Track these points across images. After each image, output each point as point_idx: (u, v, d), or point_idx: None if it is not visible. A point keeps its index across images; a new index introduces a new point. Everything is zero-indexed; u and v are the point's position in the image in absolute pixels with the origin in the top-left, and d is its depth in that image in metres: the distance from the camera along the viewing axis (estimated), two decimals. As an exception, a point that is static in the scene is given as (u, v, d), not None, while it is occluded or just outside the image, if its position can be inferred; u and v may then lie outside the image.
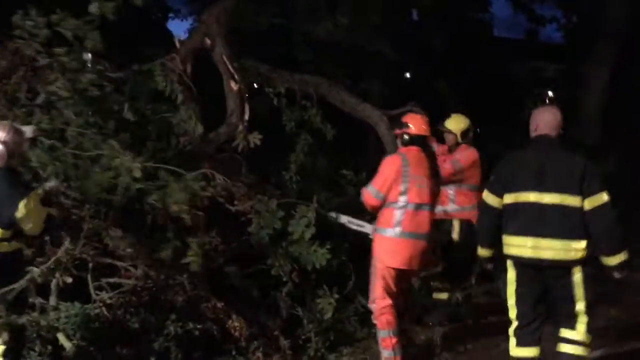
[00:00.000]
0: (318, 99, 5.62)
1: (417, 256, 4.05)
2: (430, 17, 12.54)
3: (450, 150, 5.09)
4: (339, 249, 4.63)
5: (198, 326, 3.97)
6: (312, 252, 4.40)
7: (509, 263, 3.63)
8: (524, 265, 3.56)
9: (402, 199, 4.03)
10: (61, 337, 3.91)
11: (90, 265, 4.20)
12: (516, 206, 3.54)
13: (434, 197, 4.20)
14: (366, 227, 4.42)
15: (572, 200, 3.44)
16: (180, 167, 4.39)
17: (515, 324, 3.62)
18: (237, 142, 5.22)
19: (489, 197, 3.64)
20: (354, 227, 4.52)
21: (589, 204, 3.44)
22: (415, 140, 4.19)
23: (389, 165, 4.11)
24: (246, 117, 5.33)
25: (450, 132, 5.06)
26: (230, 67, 5.21)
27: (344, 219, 4.52)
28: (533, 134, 3.65)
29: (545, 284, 3.55)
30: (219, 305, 3.96)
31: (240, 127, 5.30)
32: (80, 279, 4.15)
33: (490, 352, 4.55)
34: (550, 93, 16.41)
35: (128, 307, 4.04)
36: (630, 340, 4.69)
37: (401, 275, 4.08)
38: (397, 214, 4.03)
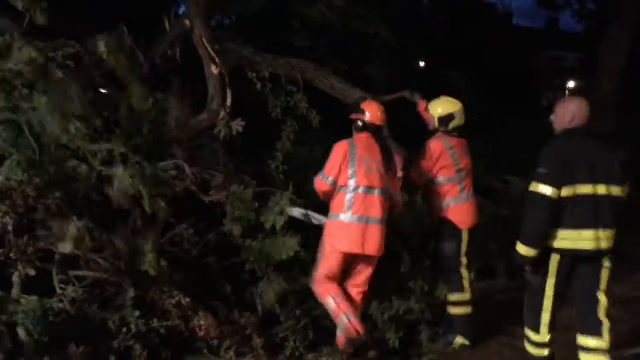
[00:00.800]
0: (305, 84, 5.36)
1: (369, 240, 4.03)
2: (445, 4, 12.23)
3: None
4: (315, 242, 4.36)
5: (164, 323, 3.75)
6: (282, 243, 4.15)
7: (556, 258, 3.61)
8: (572, 258, 3.61)
9: (351, 182, 4.07)
10: (20, 332, 3.73)
11: (57, 257, 4.04)
12: (575, 199, 3.54)
13: (385, 182, 4.14)
14: (322, 220, 4.23)
15: (616, 191, 3.61)
16: (152, 154, 4.17)
17: (548, 316, 3.66)
18: (219, 129, 4.99)
19: (546, 190, 3.51)
20: (314, 222, 4.32)
21: (623, 193, 3.65)
22: (369, 127, 4.22)
23: (337, 150, 4.17)
24: (228, 102, 5.07)
25: (429, 115, 4.72)
26: (210, 50, 4.95)
27: (296, 212, 4.23)
28: (569, 125, 3.68)
29: (575, 275, 3.67)
30: (184, 301, 3.71)
31: (222, 114, 5.05)
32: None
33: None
34: (572, 83, 16.03)
35: (92, 302, 3.83)
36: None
37: (353, 261, 4.09)
38: (347, 198, 4.06)
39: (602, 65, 10.74)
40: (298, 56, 6.70)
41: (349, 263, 4.13)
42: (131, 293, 3.71)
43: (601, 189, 3.58)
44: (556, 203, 3.53)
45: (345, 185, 4.09)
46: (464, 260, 4.53)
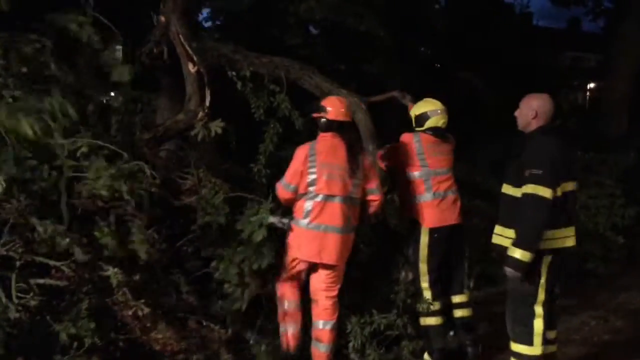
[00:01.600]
0: (290, 83, 5.11)
1: (329, 250, 3.85)
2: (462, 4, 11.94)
3: None
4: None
5: (120, 336, 3.53)
6: (259, 254, 3.91)
7: (547, 259, 3.56)
8: (560, 257, 3.59)
9: (311, 189, 3.88)
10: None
11: (18, 263, 3.83)
12: (563, 197, 3.54)
13: (348, 188, 3.90)
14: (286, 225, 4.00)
15: (576, 186, 3.71)
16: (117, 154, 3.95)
17: (540, 323, 3.59)
18: (197, 131, 4.77)
19: (545, 191, 3.43)
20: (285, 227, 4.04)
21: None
22: (333, 125, 3.96)
23: (297, 155, 3.97)
24: (207, 102, 4.85)
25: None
26: (187, 47, 4.73)
27: (275, 220, 3.98)
28: (533, 121, 3.66)
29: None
30: (142, 312, 3.47)
31: (201, 114, 4.83)
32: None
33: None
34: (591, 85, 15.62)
35: (48, 312, 3.61)
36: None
37: (316, 268, 3.91)
38: (307, 205, 3.88)
39: (615, 64, 10.34)
40: (291, 54, 6.49)
41: (313, 269, 3.96)
42: (85, 304, 3.47)
43: (572, 186, 3.64)
44: (552, 204, 3.44)
45: (305, 192, 3.90)
46: (423, 266, 4.24)
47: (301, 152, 3.94)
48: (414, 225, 4.33)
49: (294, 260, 3.92)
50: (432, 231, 4.26)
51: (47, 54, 4.26)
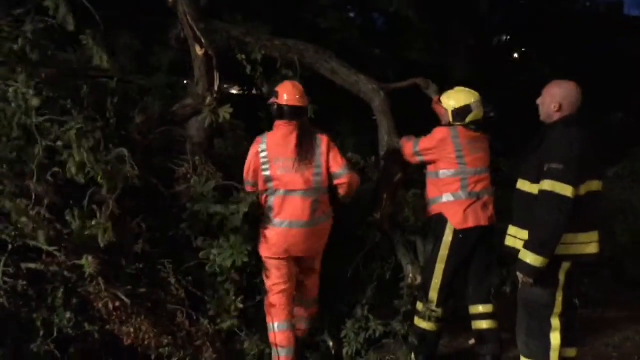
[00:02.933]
0: (304, 68, 4.81)
1: (296, 244, 3.73)
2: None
3: None
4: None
5: (97, 328, 3.37)
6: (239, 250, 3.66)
7: (565, 266, 3.19)
8: (579, 265, 3.24)
9: (270, 185, 3.77)
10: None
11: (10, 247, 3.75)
12: (586, 197, 3.14)
13: (306, 179, 3.73)
14: None
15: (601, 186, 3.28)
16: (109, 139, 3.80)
17: (558, 337, 3.22)
18: (204, 116, 4.57)
19: (565, 189, 3.05)
20: None
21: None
22: (285, 112, 3.79)
23: (250, 152, 3.85)
24: (215, 87, 4.63)
25: (442, 108, 4.05)
26: (195, 28, 4.51)
27: None
28: (555, 113, 3.26)
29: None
30: (113, 304, 3.29)
31: (209, 99, 4.62)
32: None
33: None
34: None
35: (29, 299, 3.51)
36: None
37: (287, 265, 3.77)
38: (269, 202, 3.78)
39: None
40: (324, 39, 6.18)
41: (288, 268, 3.79)
42: (60, 292, 3.34)
43: (597, 185, 3.23)
44: (574, 204, 3.06)
45: (265, 189, 3.80)
46: (439, 266, 3.88)
47: (253, 148, 3.84)
48: (438, 223, 3.95)
49: (265, 260, 3.78)
50: (459, 232, 3.88)
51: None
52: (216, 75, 4.64)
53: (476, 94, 3.99)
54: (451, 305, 4.04)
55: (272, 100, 3.90)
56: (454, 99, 3.99)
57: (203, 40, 4.53)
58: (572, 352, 3.41)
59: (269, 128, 3.97)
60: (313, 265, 3.93)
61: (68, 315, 3.37)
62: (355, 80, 4.77)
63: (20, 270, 3.59)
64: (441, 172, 3.95)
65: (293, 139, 3.76)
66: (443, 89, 4.29)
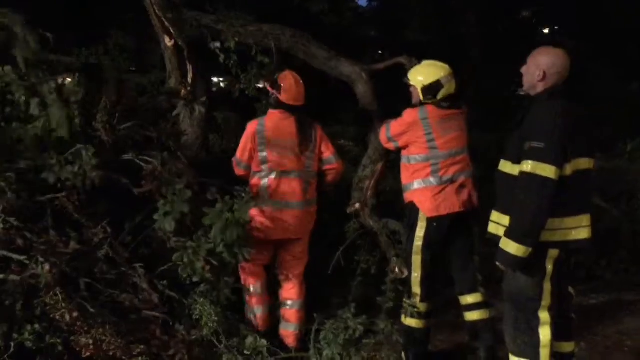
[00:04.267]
0: (281, 53, 4.56)
1: (290, 225, 3.78)
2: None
3: None
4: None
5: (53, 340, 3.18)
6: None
7: (553, 253, 2.89)
8: (567, 251, 2.94)
9: (264, 167, 3.81)
10: None
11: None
12: (574, 177, 2.83)
13: (302, 162, 3.83)
14: None
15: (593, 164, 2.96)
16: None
17: (548, 331, 2.92)
18: (178, 111, 4.38)
19: (548, 170, 2.75)
20: None
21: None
22: (284, 107, 3.83)
23: (246, 132, 3.87)
24: (189, 79, 4.42)
25: (411, 86, 3.74)
26: (163, 18, 4.29)
27: None
28: (540, 83, 2.94)
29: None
30: (69, 315, 3.10)
31: (183, 92, 4.41)
32: None
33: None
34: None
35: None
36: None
37: (275, 246, 3.86)
38: (263, 183, 3.80)
39: None
40: (314, 23, 5.92)
41: (277, 247, 3.88)
42: (19, 304, 3.17)
43: (587, 163, 2.91)
44: (557, 186, 2.76)
45: (259, 170, 3.83)
46: (416, 258, 3.62)
47: (250, 128, 3.86)
48: (411, 212, 3.67)
49: (257, 240, 3.70)
50: (431, 220, 3.59)
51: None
52: (189, 67, 4.45)
53: (446, 67, 3.68)
54: (438, 299, 3.74)
55: (273, 91, 3.85)
56: (422, 74, 3.68)
57: (172, 31, 4.34)
58: (568, 346, 3.12)
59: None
60: (301, 250, 3.90)
61: (29, 327, 3.18)
62: (335, 63, 4.50)
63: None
64: (412, 157, 3.67)
65: (291, 124, 3.82)
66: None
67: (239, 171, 3.91)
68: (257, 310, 3.85)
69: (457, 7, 7.97)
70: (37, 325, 3.21)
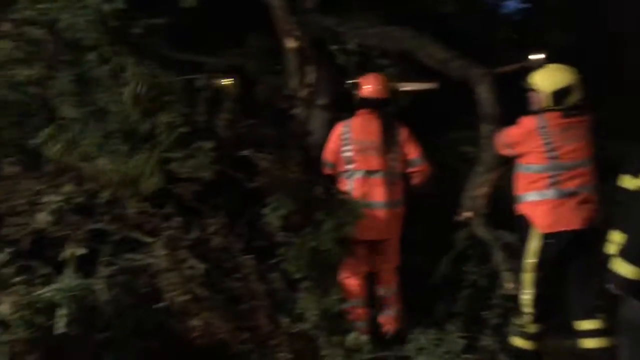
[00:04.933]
0: (400, 55, 4.52)
1: (377, 226, 3.83)
2: None
3: None
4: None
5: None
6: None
7: None
8: None
9: (349, 167, 3.92)
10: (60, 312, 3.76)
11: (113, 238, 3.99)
12: None
13: (387, 162, 3.91)
14: None
15: None
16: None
17: None
18: (297, 112, 4.53)
19: None
20: None
21: None
22: (367, 102, 3.98)
23: (331, 134, 4.03)
24: (308, 80, 4.56)
25: (534, 90, 3.51)
26: (286, 21, 4.46)
27: None
28: None
29: None
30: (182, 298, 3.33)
31: (303, 93, 4.56)
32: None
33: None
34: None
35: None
36: None
37: (368, 248, 3.90)
38: (347, 184, 3.91)
39: None
40: (447, 27, 5.80)
41: (368, 247, 3.91)
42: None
43: None
44: None
45: (344, 171, 3.95)
46: (528, 277, 3.37)
47: (336, 130, 4.01)
48: (523, 225, 3.47)
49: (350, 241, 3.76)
50: (545, 236, 3.37)
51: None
52: (310, 69, 4.58)
53: (575, 72, 3.43)
54: (551, 321, 3.49)
55: (355, 91, 4.08)
56: (550, 79, 3.45)
57: (294, 33, 4.50)
58: None
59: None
60: (389, 253, 3.96)
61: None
62: (457, 64, 4.38)
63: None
64: (529, 166, 3.45)
65: (376, 124, 3.94)
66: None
67: (327, 171, 4.02)
68: (359, 324, 3.84)
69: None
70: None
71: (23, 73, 4.05)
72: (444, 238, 4.01)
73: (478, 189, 3.94)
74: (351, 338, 3.66)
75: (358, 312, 3.85)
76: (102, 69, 4.09)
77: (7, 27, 4.08)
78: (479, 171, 4.00)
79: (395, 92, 4.45)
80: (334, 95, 4.67)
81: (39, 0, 4.03)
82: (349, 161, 3.91)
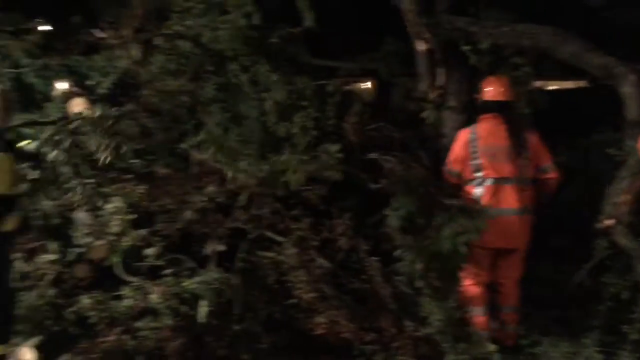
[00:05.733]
0: (538, 54, 4.29)
1: (508, 233, 3.69)
2: None
3: None
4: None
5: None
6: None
7: None
8: None
9: (478, 175, 3.77)
10: (201, 303, 4.08)
11: (249, 236, 4.25)
12: None
13: (517, 168, 3.73)
14: None
15: None
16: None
17: None
18: (426, 115, 4.49)
19: None
20: None
21: None
22: (491, 106, 3.83)
23: (457, 141, 3.89)
24: (439, 83, 4.50)
25: None
26: (417, 24, 4.43)
27: None
28: None
29: None
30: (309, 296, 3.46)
31: (432, 96, 4.52)
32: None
33: None
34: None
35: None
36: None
37: (494, 256, 3.77)
38: (477, 192, 3.76)
39: None
40: (589, 20, 5.43)
41: (494, 256, 3.79)
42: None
43: None
44: None
45: (472, 179, 3.79)
46: None
47: (462, 137, 3.88)
48: None
49: (474, 249, 3.65)
50: None
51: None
52: (440, 71, 4.52)
53: None
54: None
55: (478, 96, 3.95)
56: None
57: (426, 36, 4.46)
58: None
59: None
60: (514, 263, 3.80)
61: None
62: (601, 62, 4.07)
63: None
64: None
65: (503, 130, 3.79)
66: None
67: (451, 179, 3.90)
68: (482, 334, 3.73)
69: None
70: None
71: (173, 83, 4.46)
72: (584, 247, 3.76)
73: (621, 195, 3.64)
74: (478, 346, 3.58)
75: (479, 320, 3.75)
76: (242, 77, 4.39)
77: (160, 41, 4.50)
78: (622, 176, 3.69)
79: (528, 94, 4.25)
80: (465, 97, 4.56)
81: (186, 17, 4.40)
82: (478, 169, 3.77)
